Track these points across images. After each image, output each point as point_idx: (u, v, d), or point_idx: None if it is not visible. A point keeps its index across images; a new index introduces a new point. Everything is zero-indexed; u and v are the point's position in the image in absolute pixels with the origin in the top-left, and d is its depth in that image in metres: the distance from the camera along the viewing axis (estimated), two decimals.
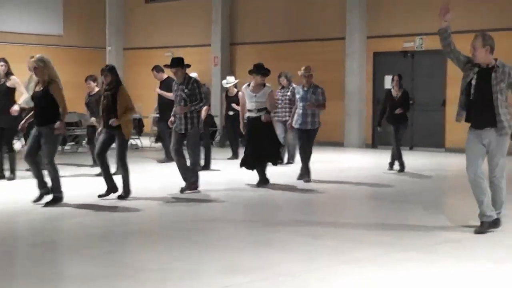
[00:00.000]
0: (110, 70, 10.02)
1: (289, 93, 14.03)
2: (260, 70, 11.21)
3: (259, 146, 11.08)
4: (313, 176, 11.94)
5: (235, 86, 15.52)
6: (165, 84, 14.79)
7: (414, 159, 15.31)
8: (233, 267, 6.31)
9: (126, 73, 22.83)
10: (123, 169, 9.94)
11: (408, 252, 6.87)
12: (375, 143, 18.73)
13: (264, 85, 11.23)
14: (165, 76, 15.09)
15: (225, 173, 13.14)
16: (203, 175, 11.21)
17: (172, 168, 13.61)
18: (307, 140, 11.88)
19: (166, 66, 10.96)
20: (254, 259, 6.62)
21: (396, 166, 13.29)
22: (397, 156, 13.29)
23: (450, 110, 17.24)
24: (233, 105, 15.23)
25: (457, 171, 13.57)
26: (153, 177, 12.62)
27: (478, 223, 7.85)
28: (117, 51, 23.97)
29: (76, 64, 22.70)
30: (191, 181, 10.62)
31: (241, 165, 11.34)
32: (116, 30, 24.00)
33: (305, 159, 11.83)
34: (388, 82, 18.47)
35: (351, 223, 8.52)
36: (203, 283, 5.81)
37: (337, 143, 18.62)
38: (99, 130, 10.82)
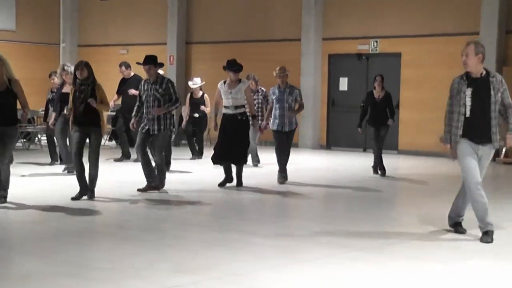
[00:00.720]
0: (87, 65, 9.79)
1: (260, 96, 13.90)
2: (232, 66, 11.04)
3: (229, 144, 10.95)
4: (267, 177, 11.95)
5: (201, 88, 15.48)
6: (132, 82, 14.58)
7: (367, 161, 15.43)
8: (183, 267, 6.29)
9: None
10: (96, 167, 9.71)
11: (359, 252, 6.92)
12: (329, 144, 18.86)
13: (239, 81, 11.10)
14: (132, 73, 14.89)
15: (192, 173, 13.05)
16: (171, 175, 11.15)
17: (129, 167, 13.55)
18: (286, 142, 11.89)
19: (138, 63, 10.74)
20: (205, 259, 6.61)
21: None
22: (377, 160, 13.07)
23: (404, 113, 17.46)
24: (202, 107, 15.23)
25: (412, 173, 13.74)
26: (111, 176, 12.47)
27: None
28: (71, 47, 23.69)
29: (29, 60, 22.37)
30: (152, 184, 10.47)
31: (212, 160, 11.20)
32: (70, 27, 23.71)
33: (284, 160, 11.81)
34: (343, 84, 18.66)
35: (303, 224, 8.56)
36: (152, 282, 5.77)
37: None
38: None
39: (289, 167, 12.04)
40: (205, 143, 16.50)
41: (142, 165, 10.53)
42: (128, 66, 14.89)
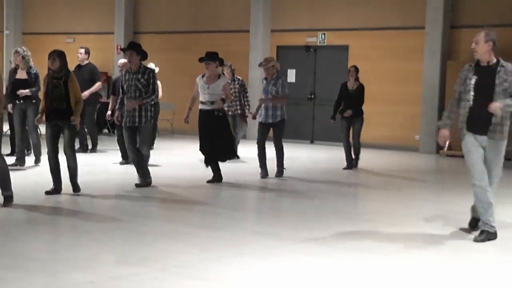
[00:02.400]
0: (60, 55, 9.28)
1: (237, 86, 13.53)
2: (213, 58, 10.70)
3: (211, 142, 10.61)
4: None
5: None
6: (85, 70, 14.16)
7: (317, 154, 15.52)
8: (127, 258, 6.23)
9: None
10: (74, 159, 9.35)
11: (304, 244, 6.95)
12: None
13: (219, 76, 10.70)
14: (87, 61, 14.47)
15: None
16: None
17: (83, 158, 13.35)
18: (274, 135, 11.57)
19: (122, 49, 10.45)
20: (150, 251, 6.56)
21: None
22: (346, 152, 12.97)
23: None
24: None
25: (371, 167, 13.85)
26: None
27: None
28: (15, 35, 23.22)
29: None
30: (147, 181, 10.23)
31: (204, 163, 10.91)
32: (14, 14, 23.23)
33: (261, 156, 11.63)
34: (291, 76, 18.70)
35: (252, 216, 8.56)
36: (93, 273, 5.70)
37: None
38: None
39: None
40: (157, 133, 16.29)
41: (134, 164, 10.29)
42: (88, 51, 14.50)
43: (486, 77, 7.15)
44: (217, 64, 10.78)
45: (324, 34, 18.01)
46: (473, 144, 7.21)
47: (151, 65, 15.49)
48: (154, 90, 10.11)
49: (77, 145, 12.97)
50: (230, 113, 13.04)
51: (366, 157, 15.39)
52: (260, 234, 7.37)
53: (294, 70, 18.60)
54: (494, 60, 7.24)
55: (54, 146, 9.35)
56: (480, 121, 7.14)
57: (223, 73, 12.60)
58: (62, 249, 6.48)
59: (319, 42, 18.12)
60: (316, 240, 7.15)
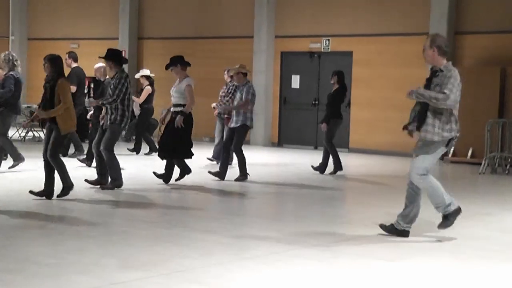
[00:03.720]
0: (50, 61, 9.27)
1: (230, 90, 13.53)
2: (174, 62, 10.91)
3: (166, 139, 10.92)
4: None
5: (148, 79, 15.26)
6: (71, 74, 14.26)
7: (318, 159, 15.50)
8: (129, 263, 6.24)
9: (31, 63, 22.27)
10: (55, 163, 9.25)
11: (305, 249, 6.95)
12: (281, 142, 18.90)
13: (186, 77, 10.88)
14: (74, 64, 14.63)
15: (131, 168, 12.95)
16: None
17: (74, 162, 13.38)
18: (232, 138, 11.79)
19: (101, 57, 10.55)
20: (151, 255, 6.56)
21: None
22: (323, 155, 13.06)
23: (355, 111, 17.60)
24: (133, 97, 14.93)
25: (362, 172, 13.86)
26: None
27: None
28: (21, 41, 23.32)
29: None
30: (112, 183, 10.29)
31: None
32: (20, 19, 23.33)
33: (223, 158, 11.82)
34: (295, 81, 18.72)
35: (250, 221, 8.56)
36: (97, 278, 5.71)
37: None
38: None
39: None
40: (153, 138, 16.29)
41: (98, 163, 10.44)
42: (71, 56, 14.60)
43: (428, 81, 7.46)
44: (181, 67, 10.89)
45: (328, 40, 18.03)
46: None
47: (146, 72, 15.52)
48: (113, 94, 10.25)
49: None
50: (226, 116, 12.97)
51: (370, 163, 15.39)
52: (261, 238, 7.36)
53: (298, 76, 18.62)
54: (442, 65, 7.43)
55: (46, 150, 9.36)
56: (417, 124, 7.43)
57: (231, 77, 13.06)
58: (66, 253, 6.48)
59: (323, 48, 18.13)
60: (318, 245, 7.15)
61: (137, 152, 15.10)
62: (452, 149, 15.44)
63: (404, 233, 7.54)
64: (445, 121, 7.34)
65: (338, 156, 12.96)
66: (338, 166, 12.94)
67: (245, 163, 11.80)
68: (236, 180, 11.63)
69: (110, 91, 10.34)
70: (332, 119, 13.00)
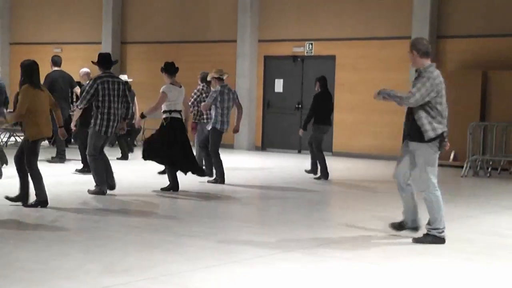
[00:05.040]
0: (20, 66, 9.25)
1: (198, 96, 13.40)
2: (161, 69, 11.00)
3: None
4: (204, 178, 11.93)
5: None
6: (45, 78, 14.09)
7: (302, 163, 15.56)
8: (115, 268, 6.22)
9: (13, 68, 22.15)
10: (31, 174, 9.04)
11: (290, 253, 6.98)
12: (264, 145, 18.94)
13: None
14: (54, 68, 14.60)
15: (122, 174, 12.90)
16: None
17: (61, 168, 13.35)
18: None
19: (93, 63, 10.50)
20: (137, 260, 6.56)
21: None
22: (311, 156, 13.11)
23: (338, 115, 17.65)
24: None
25: (346, 175, 13.90)
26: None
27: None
28: (3, 45, 23.21)
29: None
30: (98, 188, 10.27)
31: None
32: (1, 24, 23.23)
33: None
34: (278, 85, 18.77)
35: (235, 225, 8.58)
36: (82, 282, 5.70)
37: (227, 145, 18.69)
38: None
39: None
40: (137, 143, 16.33)
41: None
42: (51, 60, 14.71)
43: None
44: (166, 74, 10.93)
45: (312, 44, 18.10)
46: (404, 146, 7.65)
47: (124, 77, 15.47)
48: (80, 98, 10.50)
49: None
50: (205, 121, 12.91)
51: (354, 167, 15.46)
52: (248, 243, 7.38)
53: (281, 80, 18.68)
54: (423, 67, 7.52)
55: (17, 152, 9.24)
56: (405, 129, 7.60)
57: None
58: (49, 259, 6.46)
59: (307, 52, 18.20)
60: (304, 248, 7.17)
61: (125, 159, 15.05)
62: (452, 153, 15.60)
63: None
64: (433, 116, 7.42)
65: (325, 164, 12.94)
66: (324, 173, 12.92)
67: (222, 165, 11.85)
68: (210, 182, 11.71)
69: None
70: (315, 125, 12.98)
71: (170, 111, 10.78)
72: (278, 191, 11.51)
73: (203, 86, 13.29)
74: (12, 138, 17.79)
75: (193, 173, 11.08)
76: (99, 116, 10.25)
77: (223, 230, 8.16)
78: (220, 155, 11.92)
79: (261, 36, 18.79)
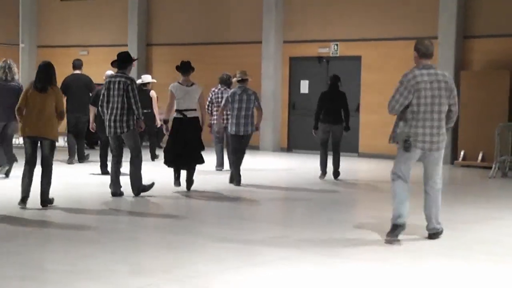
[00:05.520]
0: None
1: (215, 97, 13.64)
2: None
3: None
4: (227, 179, 11.94)
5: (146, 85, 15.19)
6: (62, 83, 14.33)
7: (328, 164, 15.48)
8: (139, 269, 6.26)
9: None
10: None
11: (315, 255, 6.95)
12: (290, 147, 18.91)
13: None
14: (75, 72, 14.79)
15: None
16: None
17: (77, 169, 13.44)
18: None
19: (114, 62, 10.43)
20: (161, 261, 6.58)
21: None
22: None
23: (364, 116, 17.59)
24: None
25: (371, 176, 13.84)
26: (66, 179, 12.31)
27: (386, 227, 8.00)
28: (30, 48, 23.41)
29: None
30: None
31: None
32: (29, 27, 23.43)
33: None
34: (304, 87, 18.72)
35: (259, 226, 8.56)
36: (108, 284, 5.73)
37: (252, 147, 18.69)
38: None
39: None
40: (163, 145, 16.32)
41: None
42: (72, 64, 14.90)
43: None
44: (179, 72, 11.09)
45: (337, 44, 18.04)
46: None
47: (147, 77, 15.43)
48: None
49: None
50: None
51: (380, 168, 15.38)
52: (271, 244, 7.36)
53: (307, 81, 18.63)
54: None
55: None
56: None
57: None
58: (76, 260, 6.50)
59: (332, 52, 18.14)
60: (328, 250, 7.14)
61: (152, 159, 15.11)
62: (462, 153, 15.48)
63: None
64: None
65: (325, 161, 12.93)
66: (322, 170, 12.96)
67: (235, 166, 11.80)
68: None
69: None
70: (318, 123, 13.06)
71: (175, 111, 10.90)
72: (302, 192, 11.47)
73: (219, 88, 13.40)
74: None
75: (189, 168, 10.97)
76: (104, 120, 10.35)
77: (247, 231, 8.14)
78: (239, 156, 11.83)
79: (286, 37, 18.76)
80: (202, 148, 10.97)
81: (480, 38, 16.02)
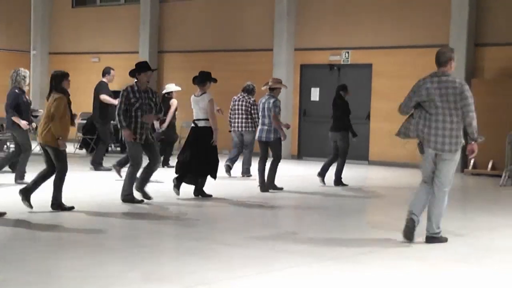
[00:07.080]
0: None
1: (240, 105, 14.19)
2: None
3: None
4: (243, 186, 11.99)
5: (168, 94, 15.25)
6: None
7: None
8: (152, 276, 6.26)
9: None
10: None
11: (331, 261, 6.95)
12: (300, 154, 18.91)
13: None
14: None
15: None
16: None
17: (96, 175, 13.49)
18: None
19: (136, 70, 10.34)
20: (174, 268, 6.59)
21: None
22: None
23: (375, 123, 17.59)
24: None
25: (382, 184, 13.82)
26: (82, 185, 12.34)
27: (399, 234, 7.99)
28: (42, 55, 23.52)
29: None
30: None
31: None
32: (41, 34, 23.55)
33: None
34: (315, 94, 18.74)
35: (274, 233, 8.56)
36: None
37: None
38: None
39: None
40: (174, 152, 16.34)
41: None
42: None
43: None
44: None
45: (348, 52, 18.05)
46: None
47: (171, 86, 15.47)
48: (161, 109, 10.80)
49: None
50: (239, 130, 13.80)
51: (390, 176, 15.37)
52: (285, 251, 7.36)
53: (318, 89, 18.64)
54: None
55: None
56: None
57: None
58: (88, 266, 6.52)
59: (343, 60, 18.15)
60: (346, 257, 7.14)
61: (163, 165, 15.13)
62: (472, 161, 15.44)
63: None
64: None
65: (325, 167, 13.10)
66: (321, 173, 13.11)
67: (260, 172, 12.08)
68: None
69: (155, 105, 10.51)
70: None
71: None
72: (314, 199, 11.47)
73: (242, 95, 13.99)
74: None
75: (195, 183, 11.06)
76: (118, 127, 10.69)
77: (263, 238, 8.13)
78: (262, 163, 12.10)
79: (298, 45, 18.79)
80: (214, 160, 10.98)
81: (491, 46, 16.00)
